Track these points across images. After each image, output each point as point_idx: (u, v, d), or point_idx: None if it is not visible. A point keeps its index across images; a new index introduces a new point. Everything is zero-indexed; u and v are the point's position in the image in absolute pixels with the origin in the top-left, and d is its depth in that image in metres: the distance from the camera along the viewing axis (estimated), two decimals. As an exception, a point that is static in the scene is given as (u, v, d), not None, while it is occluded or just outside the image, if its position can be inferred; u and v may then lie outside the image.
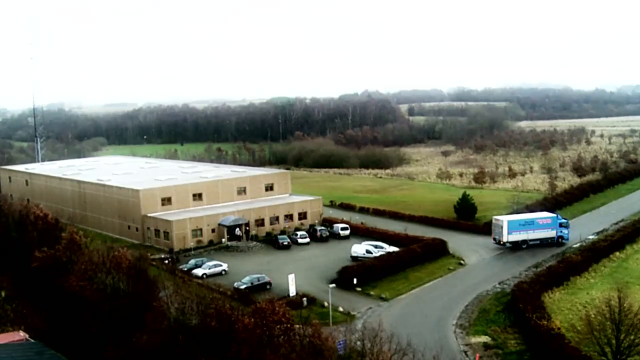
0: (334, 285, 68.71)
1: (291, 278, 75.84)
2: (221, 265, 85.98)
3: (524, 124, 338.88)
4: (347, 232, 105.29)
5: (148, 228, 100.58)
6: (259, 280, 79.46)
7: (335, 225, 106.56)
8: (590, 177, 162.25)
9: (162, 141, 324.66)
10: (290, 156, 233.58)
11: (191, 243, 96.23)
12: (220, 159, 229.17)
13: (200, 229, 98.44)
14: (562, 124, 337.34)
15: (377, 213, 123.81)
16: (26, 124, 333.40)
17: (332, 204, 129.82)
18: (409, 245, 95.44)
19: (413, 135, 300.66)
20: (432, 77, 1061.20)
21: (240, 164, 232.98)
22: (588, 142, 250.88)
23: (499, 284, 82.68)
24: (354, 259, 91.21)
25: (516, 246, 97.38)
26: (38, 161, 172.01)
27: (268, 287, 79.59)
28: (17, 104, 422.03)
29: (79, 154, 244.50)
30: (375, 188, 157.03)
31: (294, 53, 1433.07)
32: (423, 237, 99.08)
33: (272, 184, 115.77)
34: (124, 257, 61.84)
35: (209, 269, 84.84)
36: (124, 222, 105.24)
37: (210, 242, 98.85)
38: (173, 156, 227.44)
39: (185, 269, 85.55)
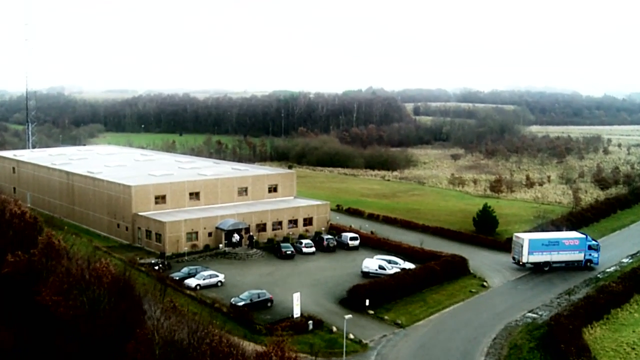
0: (350, 316, 59.35)
1: (296, 297, 66.70)
2: (217, 276, 76.78)
3: (534, 129, 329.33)
4: (357, 242, 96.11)
5: (139, 228, 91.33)
6: (259, 297, 70.28)
7: (344, 234, 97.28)
8: (613, 190, 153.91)
9: (161, 130, 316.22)
10: (292, 152, 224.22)
11: (185, 248, 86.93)
12: (219, 152, 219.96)
13: (196, 232, 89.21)
14: (575, 131, 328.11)
15: (388, 221, 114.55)
16: (24, 107, 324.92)
17: (338, 209, 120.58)
18: (425, 262, 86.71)
19: (419, 136, 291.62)
20: (436, 76, 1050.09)
21: (241, 159, 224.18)
22: (606, 152, 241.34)
23: (529, 312, 73.58)
24: (365, 274, 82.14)
25: (538, 268, 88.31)
26: (28, 147, 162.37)
27: (269, 304, 70.49)
28: (17, 86, 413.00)
29: (74, 140, 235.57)
30: (384, 192, 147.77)
31: (296, 46, 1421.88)
32: (441, 253, 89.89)
33: (276, 185, 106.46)
34: (107, 269, 52.52)
35: (204, 279, 75.64)
36: (113, 219, 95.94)
37: (206, 247, 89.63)
38: (171, 148, 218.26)
39: (177, 278, 76.39)
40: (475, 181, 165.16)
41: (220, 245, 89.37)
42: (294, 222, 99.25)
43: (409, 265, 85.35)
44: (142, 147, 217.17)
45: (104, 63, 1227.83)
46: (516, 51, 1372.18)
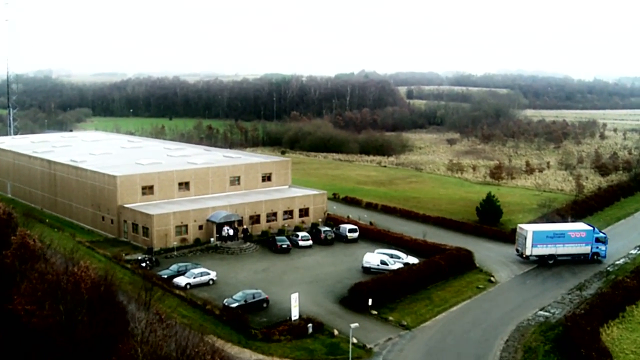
0: (356, 324, 54.45)
1: (294, 298, 61.80)
2: (208, 274, 71.70)
3: (529, 113, 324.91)
4: (356, 234, 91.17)
5: (125, 221, 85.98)
6: (254, 298, 65.27)
7: (342, 226, 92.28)
8: (614, 177, 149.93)
9: (150, 115, 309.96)
10: (285, 137, 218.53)
11: (174, 242, 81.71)
12: (210, 137, 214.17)
13: (186, 226, 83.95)
14: (568, 115, 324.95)
15: (387, 210, 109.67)
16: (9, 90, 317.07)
17: (335, 198, 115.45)
18: (429, 255, 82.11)
19: (413, 120, 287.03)
20: (427, 59, 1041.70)
21: (232, 144, 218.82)
22: (602, 137, 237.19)
23: (541, 310, 69.08)
24: (366, 270, 77.36)
25: (542, 261, 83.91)
26: (9, 134, 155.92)
27: (265, 305, 65.54)
28: (1, 69, 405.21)
29: (61, 125, 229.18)
30: (381, 179, 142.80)
31: (288, 29, 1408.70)
32: (446, 246, 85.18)
33: (270, 174, 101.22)
34: (86, 273, 47.27)
35: (194, 277, 70.55)
36: (98, 212, 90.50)
37: (197, 241, 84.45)
38: (160, 133, 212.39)
39: (166, 277, 71.23)
40: (474, 167, 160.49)
41: (212, 239, 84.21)
42: (289, 213, 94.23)
43: (412, 260, 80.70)
44: (131, 133, 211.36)
45: (94, 46, 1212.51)
46: (505, 35, 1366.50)
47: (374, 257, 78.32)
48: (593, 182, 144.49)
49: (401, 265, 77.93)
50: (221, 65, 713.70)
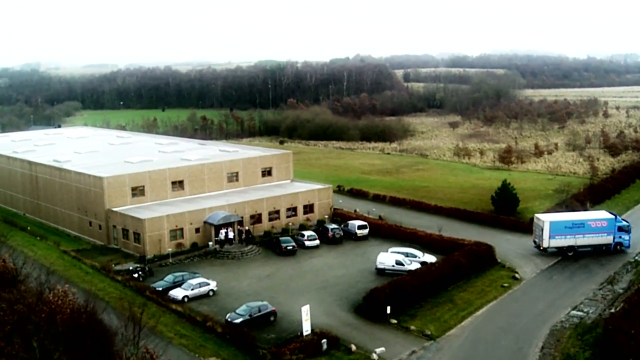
0: (382, 349, 47.73)
1: (305, 311, 54.99)
2: (208, 284, 64.81)
3: (529, 93, 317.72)
4: (366, 231, 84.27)
5: (114, 226, 78.88)
6: (259, 311, 58.37)
7: (350, 222, 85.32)
8: (624, 157, 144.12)
9: (142, 106, 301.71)
10: (283, 126, 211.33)
11: (168, 249, 74.67)
12: (205, 129, 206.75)
13: (181, 229, 76.91)
14: (567, 93, 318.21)
15: (395, 202, 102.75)
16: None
17: (339, 190, 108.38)
18: (446, 252, 75.64)
19: (413, 104, 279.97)
20: (420, 42, 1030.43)
21: (228, 135, 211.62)
22: (606, 115, 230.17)
23: (573, 309, 62.54)
24: (380, 271, 70.63)
25: (561, 253, 77.57)
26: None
27: (272, 319, 58.71)
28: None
29: (48, 120, 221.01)
30: (386, 167, 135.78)
31: (279, 14, 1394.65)
32: (464, 241, 78.37)
33: (270, 168, 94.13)
34: (63, 301, 40.32)
35: (192, 289, 63.62)
36: (84, 217, 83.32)
37: (194, 246, 77.46)
38: (152, 126, 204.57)
39: (160, 289, 64.33)
40: (481, 152, 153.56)
41: (210, 243, 77.21)
42: (293, 210, 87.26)
43: (430, 258, 74.02)
44: (121, 126, 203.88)
45: (84, 37, 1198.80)
46: (496, 16, 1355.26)
47: (388, 257, 71.55)
48: (604, 163, 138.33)
49: (418, 265, 71.35)
50: (213, 53, 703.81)
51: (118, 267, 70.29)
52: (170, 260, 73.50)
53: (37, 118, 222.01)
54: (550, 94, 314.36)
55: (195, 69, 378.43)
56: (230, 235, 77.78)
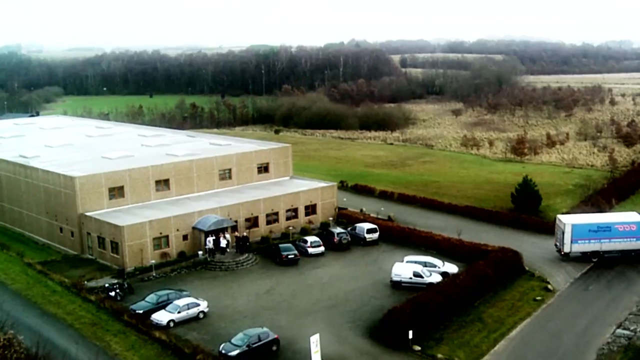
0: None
1: (314, 341, 45.41)
2: (197, 305, 55.09)
3: (530, 79, 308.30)
4: (376, 235, 74.69)
5: (88, 234, 68.82)
6: (259, 340, 48.82)
7: (358, 225, 75.58)
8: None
9: (128, 92, 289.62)
10: (277, 114, 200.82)
11: (151, 260, 64.75)
12: (195, 117, 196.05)
13: (167, 237, 66.95)
14: (568, 80, 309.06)
15: (405, 200, 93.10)
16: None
17: (343, 186, 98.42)
18: (468, 260, 67.10)
19: (412, 90, 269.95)
20: (414, 27, 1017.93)
21: (219, 124, 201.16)
22: (612, 103, 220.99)
23: (619, 327, 53.88)
24: (396, 284, 61.37)
25: (585, 259, 68.86)
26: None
27: (274, 348, 49.24)
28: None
29: (26, 107, 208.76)
30: (391, 159, 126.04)
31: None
32: (487, 247, 69.12)
33: (267, 164, 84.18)
34: (10, 353, 30.51)
35: (179, 311, 53.87)
36: (54, 222, 73.12)
37: (181, 256, 67.59)
38: (137, 114, 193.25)
39: (141, 312, 54.57)
40: (490, 142, 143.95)
41: (200, 252, 67.35)
42: (293, 212, 77.46)
43: (451, 268, 64.82)
44: (104, 115, 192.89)
45: (69, 19, 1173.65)
46: (488, 1, 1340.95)
47: (405, 268, 62.11)
48: (621, 154, 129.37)
49: (439, 277, 62.12)
50: (204, 37, 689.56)
51: (92, 284, 60.39)
52: (154, 274, 63.65)
53: (12, 105, 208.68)
54: (551, 80, 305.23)
55: (185, 53, 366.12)
56: (223, 243, 67.89)
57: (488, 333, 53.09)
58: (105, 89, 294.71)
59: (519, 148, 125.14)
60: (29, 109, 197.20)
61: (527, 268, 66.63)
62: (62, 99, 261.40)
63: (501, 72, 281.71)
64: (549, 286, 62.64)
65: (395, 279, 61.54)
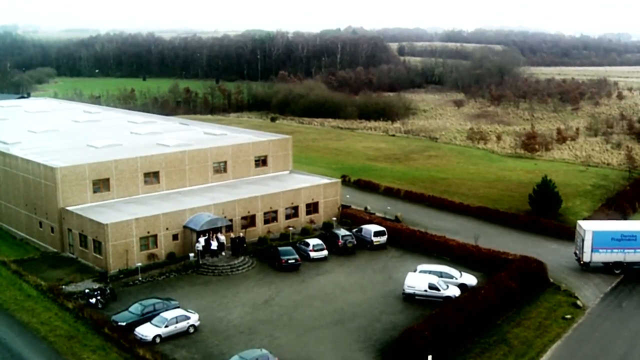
0: None
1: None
2: (187, 318, 48.85)
3: (531, 71, 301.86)
4: (384, 238, 68.49)
5: (69, 230, 62.39)
6: (257, 363, 42.73)
7: (365, 227, 69.28)
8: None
9: (122, 74, 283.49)
10: (274, 101, 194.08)
11: (138, 263, 58.39)
12: (188, 102, 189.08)
13: (155, 236, 60.60)
14: (571, 72, 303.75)
15: (412, 198, 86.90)
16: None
17: (345, 181, 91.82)
18: (487, 269, 61.14)
19: (411, 79, 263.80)
20: (409, 15, 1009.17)
21: (213, 110, 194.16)
22: (620, 97, 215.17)
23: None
24: (409, 297, 55.26)
25: (607, 270, 62.92)
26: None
27: (274, 374, 43.17)
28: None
29: (17, 88, 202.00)
30: (394, 153, 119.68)
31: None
32: (507, 255, 63.07)
33: (265, 157, 77.77)
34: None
35: (166, 325, 47.63)
36: (33, 215, 66.65)
37: (171, 257, 61.30)
38: (129, 98, 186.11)
39: (124, 324, 48.34)
40: (498, 136, 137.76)
41: (191, 255, 61.02)
42: (293, 210, 71.19)
43: (470, 279, 58.81)
44: (95, 97, 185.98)
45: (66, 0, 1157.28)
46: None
47: (419, 280, 55.92)
48: (636, 151, 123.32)
49: (456, 290, 56.04)
50: (199, 21, 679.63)
51: (70, 288, 54.05)
52: (140, 278, 57.31)
53: (3, 85, 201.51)
54: (553, 72, 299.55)
55: (180, 36, 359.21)
56: (214, 245, 61.58)
57: (515, 358, 47.15)
58: (97, 70, 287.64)
59: (530, 143, 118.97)
60: (20, 90, 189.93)
61: (551, 280, 60.70)
62: (55, 80, 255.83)
63: (503, 63, 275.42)
64: (578, 302, 56.64)
65: (408, 291, 55.43)
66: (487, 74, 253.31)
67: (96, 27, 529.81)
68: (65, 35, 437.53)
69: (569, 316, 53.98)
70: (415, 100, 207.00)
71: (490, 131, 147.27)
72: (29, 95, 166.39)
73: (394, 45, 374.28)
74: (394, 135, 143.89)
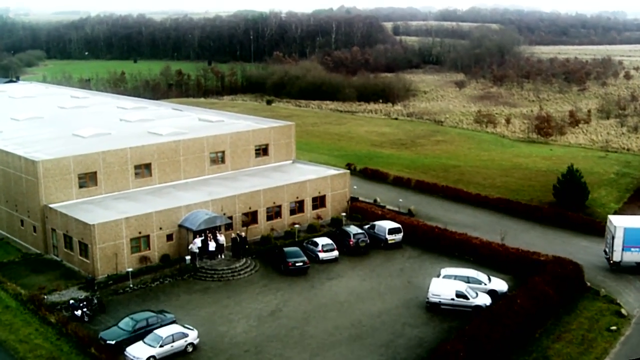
0: None
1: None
2: (185, 335, 42.79)
3: (532, 50, 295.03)
4: (399, 236, 62.38)
5: (53, 230, 56.02)
6: (268, 392, 36.71)
7: (378, 224, 63.09)
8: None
9: (112, 57, 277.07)
10: (269, 82, 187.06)
11: (129, 268, 52.09)
12: (181, 85, 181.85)
13: (147, 237, 54.34)
14: (571, 51, 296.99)
15: (424, 189, 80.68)
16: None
17: (350, 169, 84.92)
18: (517, 272, 55.41)
19: (408, 59, 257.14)
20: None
21: (206, 93, 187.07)
22: (627, 77, 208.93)
23: None
24: (434, 306, 49.27)
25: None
26: None
27: (287, 402, 37.16)
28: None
29: (6, 72, 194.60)
30: (399, 138, 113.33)
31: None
32: (539, 256, 56.95)
33: (267, 145, 71.40)
34: None
35: (161, 345, 41.57)
36: (14, 213, 60.21)
37: (165, 260, 55.09)
38: (119, 81, 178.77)
39: (113, 342, 42.25)
40: (507, 119, 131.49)
41: (187, 258, 54.75)
42: (298, 204, 64.97)
43: (500, 285, 52.73)
44: (84, 81, 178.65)
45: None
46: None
47: (445, 287, 49.84)
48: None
49: (486, 298, 50.04)
50: (190, 2, 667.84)
51: (54, 298, 47.81)
52: (131, 284, 51.08)
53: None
54: (553, 51, 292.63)
55: (171, 17, 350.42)
56: (212, 246, 55.38)
57: (562, 381, 41.39)
58: (87, 53, 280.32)
59: (543, 127, 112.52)
60: (9, 73, 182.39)
61: (588, 284, 54.67)
62: (45, 63, 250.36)
63: (502, 42, 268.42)
64: (622, 310, 50.59)
65: (432, 299, 49.39)
66: (487, 54, 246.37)
67: (87, 9, 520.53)
68: (56, 17, 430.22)
69: (614, 327, 47.92)
70: (415, 82, 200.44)
71: (497, 113, 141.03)
72: (18, 79, 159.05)
73: (388, 25, 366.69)
74: (396, 119, 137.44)
